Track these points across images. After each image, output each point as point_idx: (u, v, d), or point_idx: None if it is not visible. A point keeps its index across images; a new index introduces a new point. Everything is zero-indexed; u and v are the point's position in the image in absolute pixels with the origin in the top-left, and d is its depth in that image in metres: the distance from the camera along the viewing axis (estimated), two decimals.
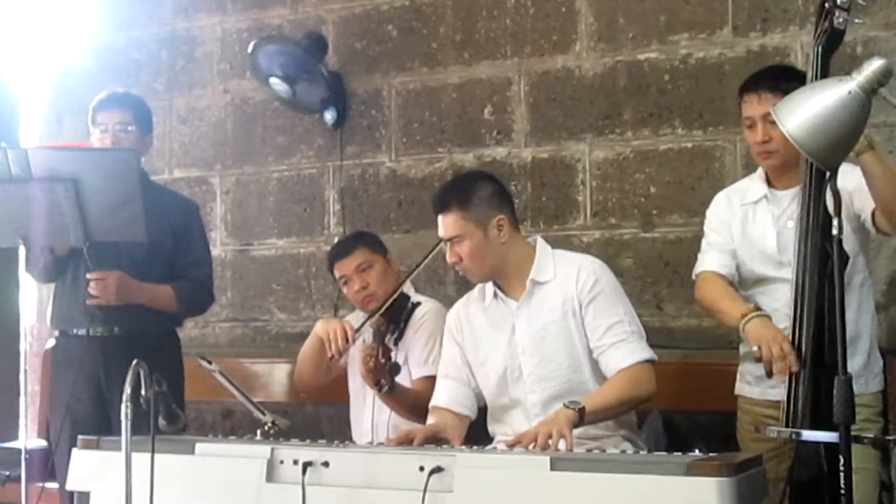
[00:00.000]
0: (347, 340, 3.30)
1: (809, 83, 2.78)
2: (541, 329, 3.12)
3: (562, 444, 2.75)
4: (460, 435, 3.13)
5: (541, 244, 3.22)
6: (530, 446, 2.76)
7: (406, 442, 2.95)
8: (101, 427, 3.46)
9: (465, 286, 4.38)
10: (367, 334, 3.31)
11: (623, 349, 3.05)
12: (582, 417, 2.86)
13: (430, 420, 3.20)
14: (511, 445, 2.83)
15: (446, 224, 3.14)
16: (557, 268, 3.16)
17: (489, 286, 3.24)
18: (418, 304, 3.53)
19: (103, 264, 3.59)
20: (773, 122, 2.93)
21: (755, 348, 2.85)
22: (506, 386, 3.17)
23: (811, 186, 2.79)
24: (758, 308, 2.98)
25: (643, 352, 3.06)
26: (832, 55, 2.82)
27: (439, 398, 3.25)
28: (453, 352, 3.29)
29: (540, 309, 3.14)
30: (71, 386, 3.66)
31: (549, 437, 2.75)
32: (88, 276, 3.58)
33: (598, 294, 3.09)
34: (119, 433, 2.55)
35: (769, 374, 2.82)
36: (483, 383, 3.23)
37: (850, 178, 2.82)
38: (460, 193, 3.17)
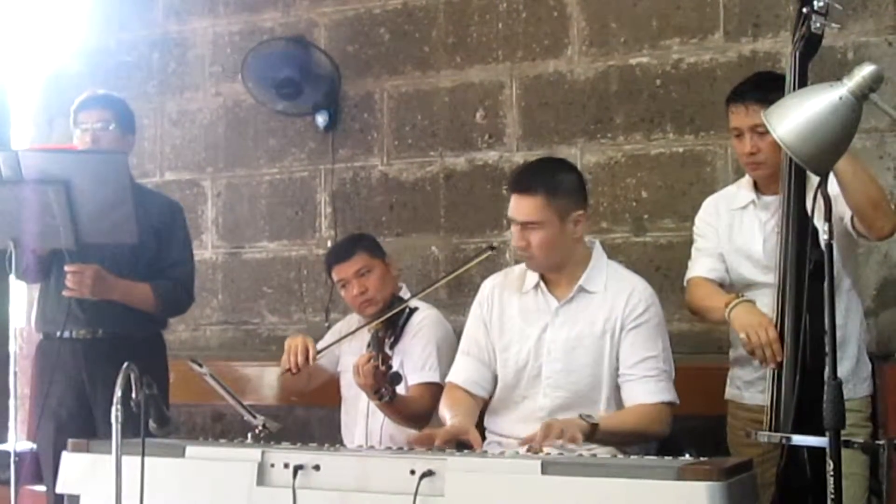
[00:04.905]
0: (307, 359, 3.29)
1: (788, 88, 2.79)
2: (574, 338, 3.03)
3: (558, 443, 2.72)
4: (474, 417, 3.06)
5: (598, 250, 3.12)
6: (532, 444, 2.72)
7: (427, 442, 2.82)
8: (84, 430, 3.45)
9: (458, 291, 4.40)
10: (364, 340, 3.27)
11: (651, 385, 2.99)
12: (593, 433, 2.81)
13: (445, 399, 3.12)
14: (525, 443, 2.76)
15: (527, 207, 2.95)
16: (609, 281, 3.06)
17: (532, 273, 3.11)
18: (416, 308, 3.51)
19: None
20: (762, 133, 2.97)
21: (742, 335, 2.86)
22: (521, 380, 3.09)
23: (791, 192, 2.80)
24: (742, 295, 2.99)
25: (668, 393, 3.01)
26: (811, 60, 2.82)
27: (457, 375, 3.16)
28: (478, 330, 3.17)
29: (580, 318, 3.04)
30: (54, 388, 3.65)
31: (561, 432, 2.71)
32: (66, 268, 3.56)
33: (644, 323, 3.01)
34: (104, 435, 2.55)
35: (762, 362, 2.83)
36: (501, 369, 3.13)
37: (831, 184, 2.82)
38: (549, 178, 2.99)
